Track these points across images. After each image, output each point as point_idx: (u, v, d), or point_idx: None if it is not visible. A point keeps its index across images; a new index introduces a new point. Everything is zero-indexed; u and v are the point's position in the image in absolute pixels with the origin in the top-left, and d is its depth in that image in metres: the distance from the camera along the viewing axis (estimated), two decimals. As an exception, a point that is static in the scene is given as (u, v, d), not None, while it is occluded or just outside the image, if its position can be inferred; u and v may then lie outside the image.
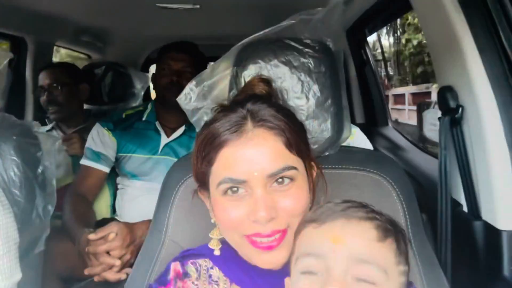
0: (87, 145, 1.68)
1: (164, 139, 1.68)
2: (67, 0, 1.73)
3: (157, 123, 1.70)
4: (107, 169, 1.68)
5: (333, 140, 0.89)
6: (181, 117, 1.66)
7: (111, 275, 1.21)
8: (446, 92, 0.84)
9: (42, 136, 1.10)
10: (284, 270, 0.65)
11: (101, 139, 1.67)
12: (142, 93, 2.36)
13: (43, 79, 1.92)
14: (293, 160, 0.68)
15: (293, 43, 0.87)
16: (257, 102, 0.70)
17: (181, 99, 0.95)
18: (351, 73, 1.87)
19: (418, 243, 0.83)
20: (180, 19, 2.09)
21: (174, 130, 1.69)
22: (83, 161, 1.67)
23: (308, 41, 0.87)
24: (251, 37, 0.90)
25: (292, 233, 0.65)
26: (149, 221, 1.34)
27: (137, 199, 1.67)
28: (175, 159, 1.64)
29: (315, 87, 0.86)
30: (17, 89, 1.99)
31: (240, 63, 0.88)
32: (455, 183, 0.91)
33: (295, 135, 0.69)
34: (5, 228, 0.76)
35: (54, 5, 1.78)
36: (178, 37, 1.82)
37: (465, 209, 0.89)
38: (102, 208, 1.76)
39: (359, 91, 1.84)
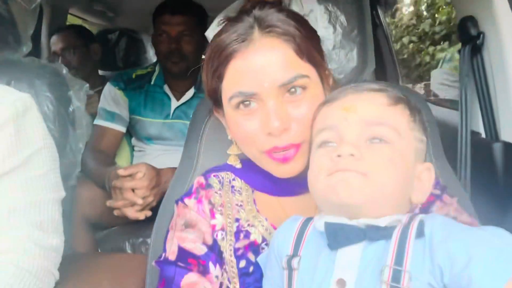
0: (100, 105, 1.66)
1: (174, 103, 1.66)
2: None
3: (165, 87, 1.66)
4: (123, 129, 1.67)
5: (358, 71, 0.92)
6: (188, 80, 1.64)
7: (131, 212, 1.23)
8: (467, 22, 0.88)
9: (70, 78, 1.14)
10: (307, 170, 0.64)
11: (113, 98, 1.65)
12: (155, 59, 2.38)
13: (56, 44, 1.94)
14: (305, 68, 0.65)
15: (320, -25, 0.90)
16: (264, 8, 0.66)
17: (209, 34, 0.98)
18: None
19: (440, 166, 0.87)
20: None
21: (183, 93, 1.66)
22: (98, 121, 1.65)
23: (335, -28, 0.91)
24: (278, -29, 0.93)
25: (307, 146, 0.64)
26: (175, 168, 1.39)
27: (156, 159, 1.67)
28: (187, 122, 1.65)
29: (342, 17, 0.89)
30: (33, 53, 2.01)
31: (268, -4, 0.91)
32: (474, 114, 0.95)
33: (306, 41, 0.65)
34: (50, 146, 0.80)
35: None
36: None
37: (483, 136, 0.94)
38: (122, 166, 1.79)
39: (373, 50, 1.86)
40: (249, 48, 0.63)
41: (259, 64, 0.62)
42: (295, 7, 0.88)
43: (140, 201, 1.24)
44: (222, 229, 0.71)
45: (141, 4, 2.38)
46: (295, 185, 0.71)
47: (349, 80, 0.93)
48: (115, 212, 1.28)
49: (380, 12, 1.84)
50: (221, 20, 0.72)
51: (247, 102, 0.65)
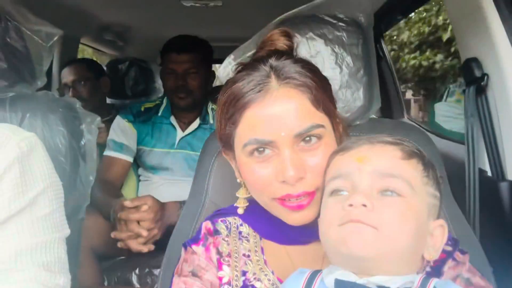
0: (109, 137, 1.73)
1: (180, 134, 1.72)
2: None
3: (172, 118, 1.74)
4: (130, 159, 1.72)
5: (364, 109, 0.94)
6: (194, 112, 1.73)
7: (135, 245, 1.24)
8: (471, 63, 0.90)
9: (82, 113, 1.17)
10: (317, 219, 0.65)
11: (122, 130, 1.71)
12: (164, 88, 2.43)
13: (66, 76, 2.00)
14: (320, 118, 0.66)
15: (327, 18, 0.93)
16: (280, 58, 0.67)
17: (220, 73, 1.00)
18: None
19: (448, 205, 0.87)
20: (202, 17, 2.16)
21: (189, 124, 1.73)
22: (106, 152, 1.71)
23: (341, 16, 0.94)
24: (287, 13, 0.96)
25: (321, 193, 0.64)
26: (179, 202, 1.40)
27: (159, 188, 1.72)
28: (191, 152, 1.70)
29: (348, 59, 0.92)
30: (44, 84, 2.06)
31: (277, 37, 0.94)
32: (480, 152, 0.97)
33: (321, 91, 0.67)
34: (55, 185, 0.80)
35: (82, 1, 1.86)
36: (200, 37, 1.75)
37: (489, 174, 0.94)
38: (129, 196, 1.81)
39: (379, 88, 1.89)
40: (266, 97, 0.64)
41: (276, 113, 0.63)
42: (303, 49, 0.91)
43: (145, 233, 1.25)
44: (229, 283, 0.70)
45: (151, 34, 2.46)
46: (303, 234, 0.70)
47: (355, 118, 0.95)
48: (119, 244, 1.29)
49: (383, 44, 1.88)
50: (236, 65, 0.73)
51: (262, 149, 0.65)
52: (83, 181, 1.09)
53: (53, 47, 1.09)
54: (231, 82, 0.68)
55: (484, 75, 0.89)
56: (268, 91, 0.64)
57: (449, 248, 0.66)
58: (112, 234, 1.29)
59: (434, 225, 0.59)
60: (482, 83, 0.89)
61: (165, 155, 1.72)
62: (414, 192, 0.57)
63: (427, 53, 4.59)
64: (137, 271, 1.40)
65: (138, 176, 1.84)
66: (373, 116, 1.01)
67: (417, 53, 4.58)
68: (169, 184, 1.73)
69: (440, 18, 4.29)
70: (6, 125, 0.82)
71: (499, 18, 0.85)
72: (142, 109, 1.77)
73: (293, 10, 0.96)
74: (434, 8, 4.32)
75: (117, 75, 2.34)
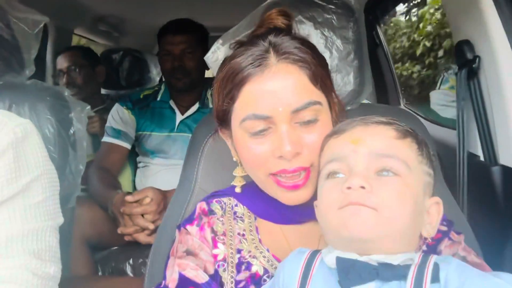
0: (107, 124, 1.73)
1: (179, 117, 1.74)
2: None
3: (171, 102, 1.75)
4: (128, 146, 1.73)
5: (355, 94, 0.93)
6: (193, 95, 1.73)
7: (143, 237, 1.26)
8: (463, 45, 0.89)
9: (72, 100, 1.15)
10: (312, 198, 0.65)
11: (120, 117, 1.72)
12: (158, 78, 2.42)
13: (62, 62, 1.99)
14: (318, 94, 0.66)
15: (317, 0, 0.91)
16: (279, 35, 0.67)
17: (208, 57, 0.99)
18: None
19: (439, 189, 0.86)
20: (196, 6, 2.14)
21: (188, 108, 1.74)
22: (105, 139, 1.72)
23: (331, -3, 0.92)
24: (276, -4, 0.95)
25: (316, 172, 0.64)
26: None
27: (157, 174, 1.72)
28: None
29: (338, 42, 0.90)
30: (37, 73, 2.05)
31: (266, 21, 0.92)
32: (472, 136, 0.95)
33: (320, 68, 0.66)
34: (49, 172, 0.80)
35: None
36: None
37: (481, 159, 0.93)
38: (123, 185, 1.81)
39: (371, 72, 1.88)
40: (265, 72, 0.64)
41: (275, 88, 0.63)
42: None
43: (151, 226, 1.26)
44: (224, 260, 0.70)
45: (145, 24, 2.43)
46: (299, 213, 0.70)
47: (346, 102, 0.93)
48: (126, 238, 1.31)
49: (379, 31, 1.86)
50: (232, 43, 0.73)
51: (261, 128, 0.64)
52: (72, 170, 1.08)
53: (39, 34, 1.07)
54: (229, 58, 0.68)
55: (476, 57, 0.87)
56: (267, 66, 0.64)
57: (444, 228, 0.67)
58: (119, 230, 1.30)
59: (430, 203, 0.59)
60: (474, 66, 0.87)
61: (164, 139, 1.73)
62: (410, 171, 0.57)
63: (407, 64, 4.78)
64: (131, 261, 1.40)
65: (135, 165, 1.84)
66: (365, 101, 0.99)
67: (399, 64, 4.78)
68: (167, 170, 1.74)
69: (416, 35, 4.47)
70: (1, 111, 0.81)
71: (491, 0, 0.83)
72: (141, 96, 1.79)
73: (283, -7, 0.94)
74: (414, 25, 4.51)
75: (111, 65, 2.32)
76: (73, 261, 1.32)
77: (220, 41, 0.97)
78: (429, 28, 4.05)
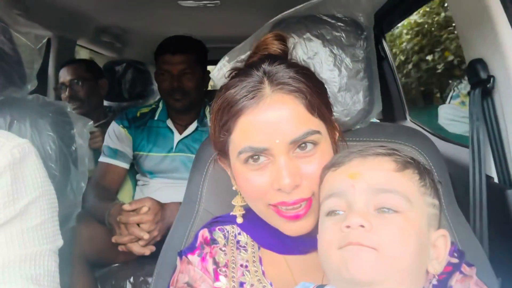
0: (104, 143, 1.69)
1: (177, 137, 1.69)
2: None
3: (168, 121, 1.70)
4: (125, 165, 1.69)
5: (364, 113, 0.90)
6: (191, 114, 1.69)
7: (137, 248, 1.23)
8: (476, 64, 0.86)
9: (74, 116, 1.14)
10: (316, 228, 0.63)
11: (117, 136, 1.68)
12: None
13: (64, 75, 1.97)
14: (316, 123, 0.64)
15: (325, 18, 0.89)
16: (273, 63, 0.65)
17: (214, 74, 0.97)
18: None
19: (452, 213, 0.84)
20: (200, 18, 2.13)
21: (186, 126, 1.70)
22: (102, 159, 1.68)
23: (340, 15, 0.90)
24: (284, 13, 0.93)
25: (317, 201, 0.62)
26: (179, 203, 1.37)
27: (157, 191, 1.68)
28: (190, 155, 1.67)
29: (347, 60, 0.88)
30: (39, 84, 2.03)
31: (273, 38, 0.90)
32: (486, 157, 0.93)
33: (316, 96, 0.65)
34: (48, 194, 0.77)
35: (78, 3, 1.83)
36: (198, 37, 1.73)
37: (496, 181, 0.90)
38: (124, 201, 1.78)
39: (379, 91, 1.86)
40: (260, 104, 0.62)
41: (270, 120, 0.62)
42: (300, 50, 0.88)
43: (146, 236, 1.24)
44: None
45: (148, 35, 2.43)
46: (303, 243, 0.68)
47: (356, 121, 0.91)
48: (120, 248, 1.28)
49: (385, 45, 1.84)
50: (228, 71, 0.71)
51: (256, 157, 0.63)
52: (74, 188, 1.06)
53: (42, 49, 1.06)
54: (224, 88, 0.67)
55: (490, 77, 0.85)
56: (262, 98, 0.62)
57: (455, 260, 0.64)
58: (113, 239, 1.28)
59: (435, 236, 0.57)
60: (488, 85, 0.85)
61: (162, 159, 1.69)
62: (411, 205, 0.55)
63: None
64: (131, 279, 1.36)
65: (135, 181, 1.81)
66: (374, 120, 0.97)
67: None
68: (167, 187, 1.70)
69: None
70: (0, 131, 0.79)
71: (505, 17, 0.81)
72: (138, 114, 1.74)
73: (290, 10, 0.93)
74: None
75: (114, 77, 2.31)
76: (73, 279, 1.29)
77: (226, 58, 0.96)
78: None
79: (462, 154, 1.23)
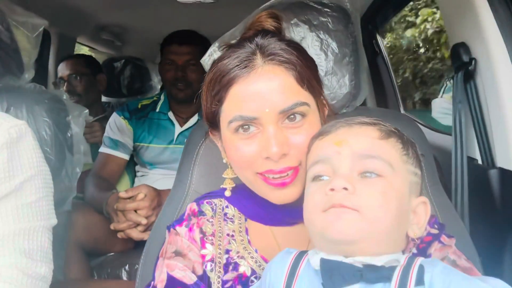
0: (105, 134, 1.72)
1: (178, 129, 1.72)
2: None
3: (170, 114, 1.73)
4: (125, 156, 1.71)
5: (350, 96, 0.92)
6: (192, 107, 1.71)
7: (135, 233, 1.25)
8: (459, 48, 0.88)
9: (70, 104, 1.16)
10: (302, 199, 0.63)
11: (118, 127, 1.71)
12: (159, 86, 2.43)
13: (63, 70, 2.00)
14: (305, 96, 0.65)
15: (312, 3, 0.92)
16: (266, 37, 0.67)
17: (205, 60, 0.99)
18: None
19: (435, 193, 0.85)
20: (197, 15, 2.16)
21: (187, 119, 1.73)
22: (102, 149, 1.71)
23: (326, 1, 0.92)
24: (271, 1, 0.95)
25: (304, 170, 0.64)
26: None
27: (156, 182, 1.69)
28: None
29: (334, 45, 0.90)
30: (38, 80, 2.07)
31: (261, 24, 0.93)
32: (469, 139, 0.94)
33: (306, 70, 0.66)
34: (43, 174, 0.80)
35: (78, 1, 1.87)
36: None
37: (480, 162, 0.92)
38: (121, 193, 1.80)
39: (371, 80, 1.88)
40: (251, 74, 0.64)
41: (261, 90, 0.63)
42: (287, 35, 0.90)
43: (144, 221, 1.26)
44: (212, 260, 0.70)
45: (148, 33, 2.46)
46: (289, 214, 0.70)
47: (342, 105, 0.93)
48: (119, 235, 1.30)
49: (379, 40, 1.86)
50: (222, 45, 0.74)
51: (246, 126, 0.65)
52: (69, 173, 1.08)
53: (39, 38, 1.09)
54: (217, 60, 0.69)
55: (472, 59, 0.87)
56: (253, 68, 0.64)
57: (435, 231, 0.66)
58: (112, 226, 1.30)
59: (416, 202, 0.59)
60: (470, 68, 0.87)
61: (162, 151, 1.71)
62: (394, 171, 0.56)
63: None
64: (127, 267, 1.38)
65: (133, 173, 1.83)
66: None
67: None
68: (166, 178, 1.71)
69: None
70: None
71: (486, 1, 0.83)
72: (139, 106, 1.77)
73: (278, -3, 0.95)
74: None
75: (113, 74, 2.34)
76: (69, 266, 1.31)
77: (216, 44, 0.98)
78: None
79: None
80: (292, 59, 0.65)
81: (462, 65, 0.89)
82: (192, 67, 1.66)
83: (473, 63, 0.87)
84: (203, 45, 1.69)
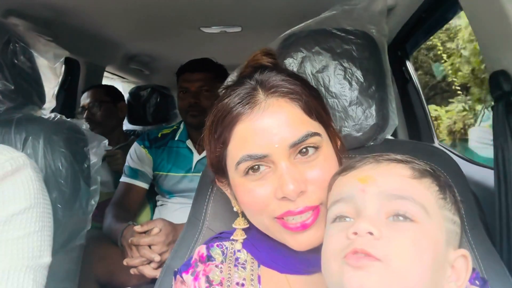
0: (126, 163, 1.74)
1: (196, 157, 1.71)
2: (118, 26, 1.85)
3: (188, 142, 1.73)
4: (145, 185, 1.71)
5: (378, 128, 0.86)
6: None
7: (148, 270, 1.21)
8: (499, 76, 0.80)
9: (89, 134, 1.15)
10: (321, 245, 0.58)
11: (138, 156, 1.72)
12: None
13: (84, 99, 2.06)
14: (314, 126, 0.61)
15: (335, 31, 0.87)
16: (264, 71, 0.65)
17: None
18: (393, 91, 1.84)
19: (476, 238, 0.76)
20: (222, 43, 2.17)
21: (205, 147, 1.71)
22: (123, 179, 1.72)
23: (351, 28, 0.87)
24: (293, 28, 0.92)
25: (325, 211, 0.58)
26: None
27: (175, 212, 1.69)
28: None
29: (359, 73, 0.85)
30: (66, 109, 2.11)
31: (282, 52, 0.89)
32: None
33: (312, 99, 0.63)
34: (40, 207, 0.75)
35: (107, 31, 1.91)
36: (220, 63, 1.79)
37: (527, 203, 0.82)
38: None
39: (402, 109, 1.80)
40: (255, 110, 0.60)
41: (267, 125, 0.59)
42: (308, 64, 0.85)
43: (157, 258, 1.21)
44: None
45: (174, 62, 2.48)
46: (308, 262, 0.64)
47: (369, 137, 0.86)
48: (132, 271, 1.25)
49: (409, 66, 1.79)
50: (221, 89, 0.70)
51: (256, 167, 0.60)
52: (83, 205, 1.05)
53: (60, 68, 1.09)
54: (217, 101, 0.65)
55: (514, 88, 0.78)
56: (256, 103, 0.60)
57: None
58: (124, 262, 1.26)
59: (455, 256, 0.51)
60: (511, 98, 0.78)
61: (181, 179, 1.70)
62: (428, 217, 0.49)
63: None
64: (142, 303, 1.33)
65: (155, 202, 1.82)
66: (390, 137, 0.92)
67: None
68: (185, 207, 1.69)
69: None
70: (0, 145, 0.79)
71: (528, 25, 0.76)
72: (159, 135, 1.78)
73: (300, 25, 0.91)
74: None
75: (139, 102, 2.37)
76: (83, 300, 1.27)
77: (235, 73, 0.94)
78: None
79: (492, 177, 1.15)
80: (296, 89, 0.62)
81: (503, 95, 0.81)
82: (206, 93, 1.66)
83: (515, 92, 0.78)
84: (217, 72, 1.72)
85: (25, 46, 1.02)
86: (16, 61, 1.00)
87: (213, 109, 0.65)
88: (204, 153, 1.69)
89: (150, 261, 1.22)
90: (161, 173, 1.71)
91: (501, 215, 0.80)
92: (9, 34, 0.99)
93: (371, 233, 0.47)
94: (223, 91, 0.67)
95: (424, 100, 1.80)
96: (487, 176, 1.25)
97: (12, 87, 0.99)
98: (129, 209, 1.65)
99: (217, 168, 0.67)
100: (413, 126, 1.79)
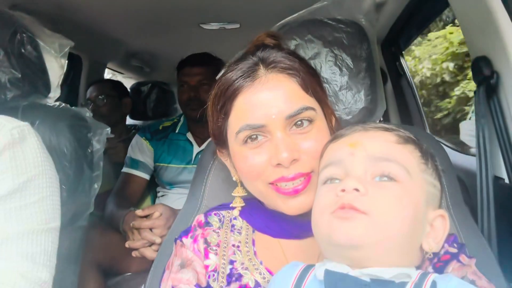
0: (127, 154, 1.79)
1: (196, 149, 1.75)
2: (120, 23, 1.89)
3: (188, 134, 1.78)
4: (146, 176, 1.76)
5: (367, 112, 0.90)
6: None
7: (149, 252, 1.24)
8: (480, 62, 0.85)
9: (92, 122, 1.19)
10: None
11: (139, 148, 1.77)
12: (184, 109, 2.48)
13: (91, 92, 2.10)
14: (310, 101, 0.66)
15: (326, 20, 0.92)
16: (266, 49, 0.70)
17: (219, 77, 1.00)
18: (387, 86, 1.89)
19: (458, 214, 0.81)
20: (221, 39, 2.21)
21: (205, 139, 1.76)
22: (124, 169, 1.76)
23: (342, 18, 0.92)
24: (286, 19, 0.96)
25: (317, 178, 0.62)
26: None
27: (176, 202, 1.72)
28: None
29: (349, 60, 0.89)
30: (69, 102, 2.16)
31: (276, 41, 0.93)
32: (495, 157, 0.89)
33: (310, 76, 0.68)
34: (48, 173, 0.80)
35: (110, 28, 1.95)
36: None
37: (506, 181, 0.87)
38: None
39: (395, 103, 1.85)
40: (255, 83, 0.65)
41: (266, 97, 0.64)
42: (301, 51, 0.90)
43: (158, 240, 1.26)
44: (215, 270, 0.69)
45: (174, 59, 2.53)
46: (299, 227, 0.68)
47: (358, 120, 0.91)
48: (133, 254, 1.29)
49: (403, 62, 1.84)
50: (225, 66, 0.75)
51: (254, 136, 0.65)
52: (86, 189, 1.09)
53: (65, 57, 1.13)
54: (221, 75, 0.71)
55: (494, 72, 0.83)
56: (257, 77, 0.66)
57: (454, 250, 0.62)
58: (126, 244, 1.30)
59: (433, 215, 0.56)
60: (492, 82, 0.83)
61: (181, 171, 1.74)
62: (410, 178, 0.54)
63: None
64: (143, 287, 1.36)
65: (155, 193, 1.86)
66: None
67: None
68: (185, 198, 1.71)
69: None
70: (1, 115, 0.83)
71: (507, 14, 0.81)
72: (160, 127, 1.83)
73: (293, 16, 0.96)
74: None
75: (139, 97, 2.42)
76: (84, 285, 1.31)
77: (231, 62, 0.99)
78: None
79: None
80: (295, 66, 0.67)
81: (484, 80, 0.86)
82: (205, 87, 1.70)
83: (495, 76, 0.83)
84: (216, 65, 1.75)
85: (32, 36, 1.06)
86: (23, 50, 1.05)
87: (217, 83, 0.70)
88: (204, 146, 1.73)
89: (151, 244, 1.26)
90: (161, 164, 1.75)
91: (482, 189, 0.85)
92: (16, 25, 1.04)
93: (357, 190, 0.51)
94: (227, 66, 0.72)
95: (417, 94, 1.85)
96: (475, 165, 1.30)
97: (19, 76, 1.03)
98: (130, 199, 1.69)
99: (219, 138, 0.72)
100: (406, 118, 1.85)
